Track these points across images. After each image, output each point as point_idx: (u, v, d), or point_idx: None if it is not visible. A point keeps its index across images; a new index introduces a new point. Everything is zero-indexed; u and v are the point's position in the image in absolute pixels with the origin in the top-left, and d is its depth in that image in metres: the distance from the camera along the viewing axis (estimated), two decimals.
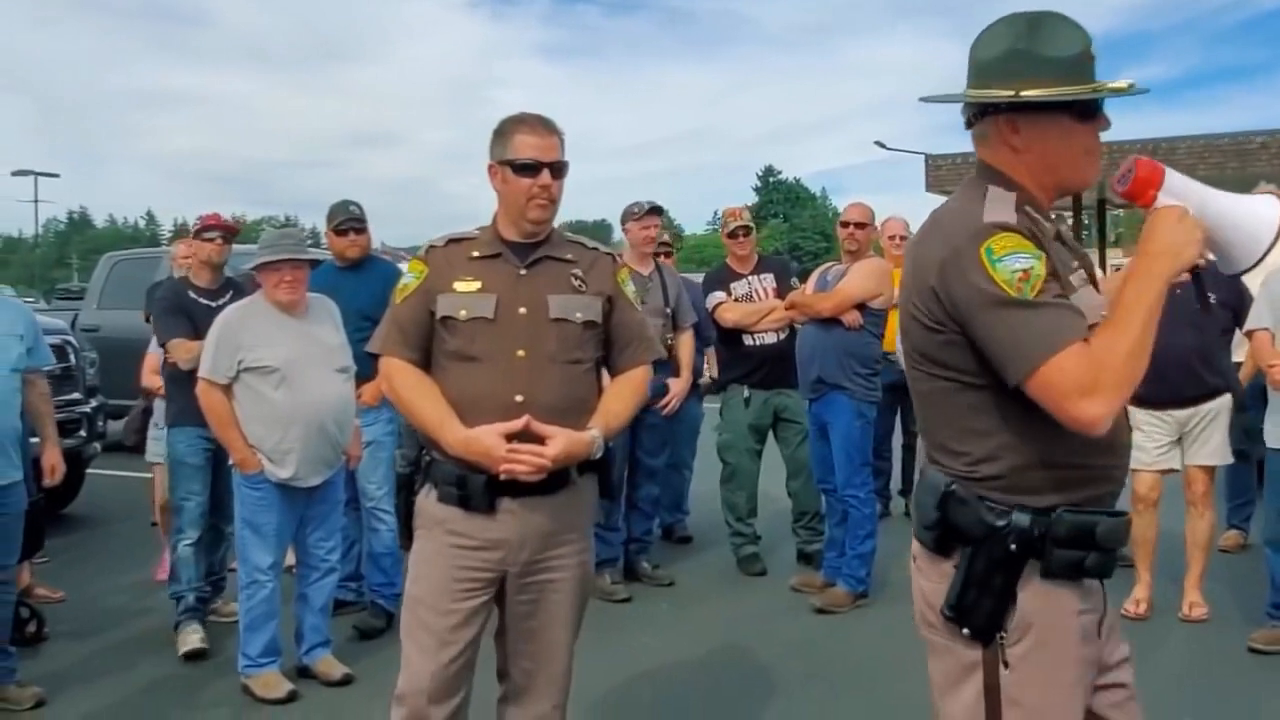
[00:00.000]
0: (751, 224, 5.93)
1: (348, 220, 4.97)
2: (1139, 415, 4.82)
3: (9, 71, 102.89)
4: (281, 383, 3.94)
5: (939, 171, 19.16)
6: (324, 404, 3.99)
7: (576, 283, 2.70)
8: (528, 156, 2.64)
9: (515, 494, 2.57)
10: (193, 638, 4.51)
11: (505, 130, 2.70)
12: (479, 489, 2.56)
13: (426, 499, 2.67)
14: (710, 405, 6.35)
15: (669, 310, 5.50)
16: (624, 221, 5.61)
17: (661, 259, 5.86)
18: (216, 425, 4.02)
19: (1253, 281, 4.73)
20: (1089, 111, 1.81)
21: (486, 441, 2.50)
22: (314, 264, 4.22)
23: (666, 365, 5.48)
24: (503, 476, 2.51)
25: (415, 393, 2.63)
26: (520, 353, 2.60)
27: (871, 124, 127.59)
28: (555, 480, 2.58)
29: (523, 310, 2.63)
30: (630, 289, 2.84)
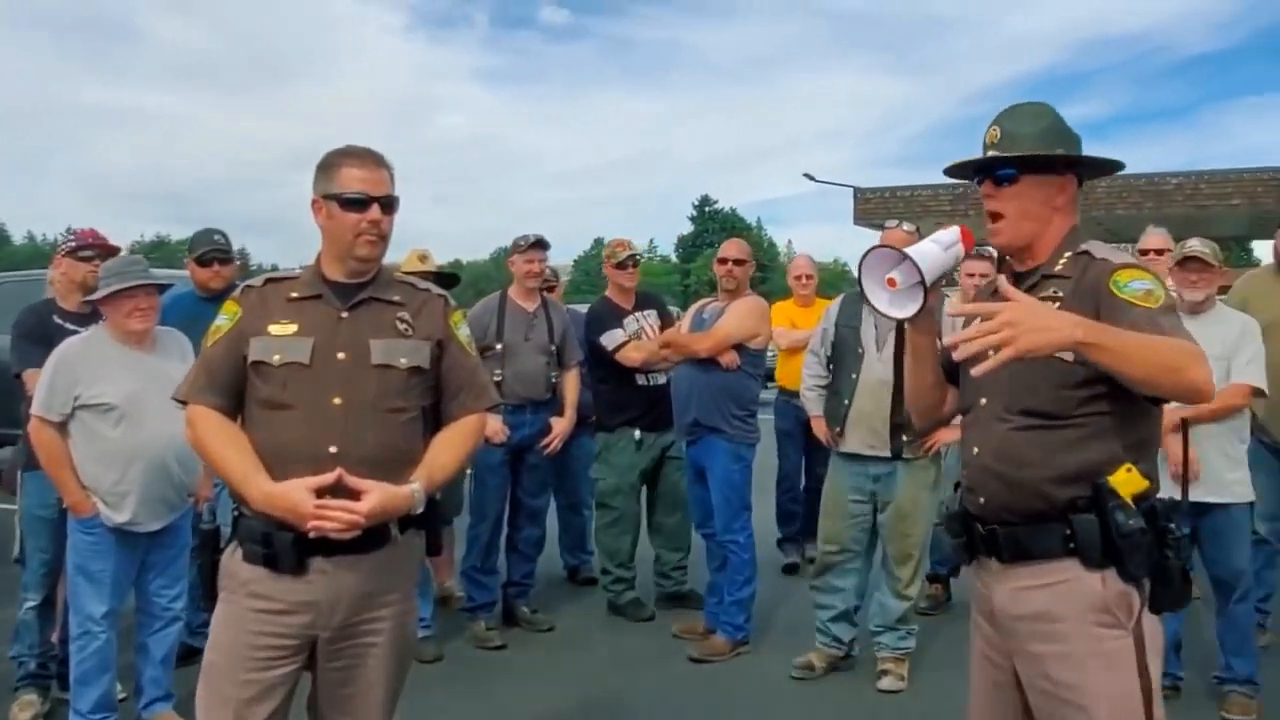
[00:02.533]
0: (639, 255, 5.77)
1: (212, 250, 4.78)
2: None
3: None
4: (121, 420, 3.73)
5: (867, 204, 19.41)
6: (167, 442, 3.76)
7: (403, 326, 2.56)
8: (355, 190, 2.51)
9: (328, 553, 2.41)
10: (27, 710, 4.19)
11: (331, 163, 2.56)
12: (286, 547, 2.39)
13: (232, 557, 2.50)
14: None
15: (554, 347, 5.35)
16: (510, 254, 5.46)
17: (548, 293, 5.72)
18: (48, 465, 3.79)
19: None
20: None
21: (293, 496, 2.35)
22: (162, 288, 3.99)
23: (551, 404, 5.35)
24: (312, 534, 2.36)
25: (220, 443, 2.47)
26: (337, 400, 2.45)
27: (809, 155, 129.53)
28: (372, 537, 2.43)
29: (342, 355, 2.49)
30: (464, 333, 2.70)
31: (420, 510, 2.49)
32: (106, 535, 3.76)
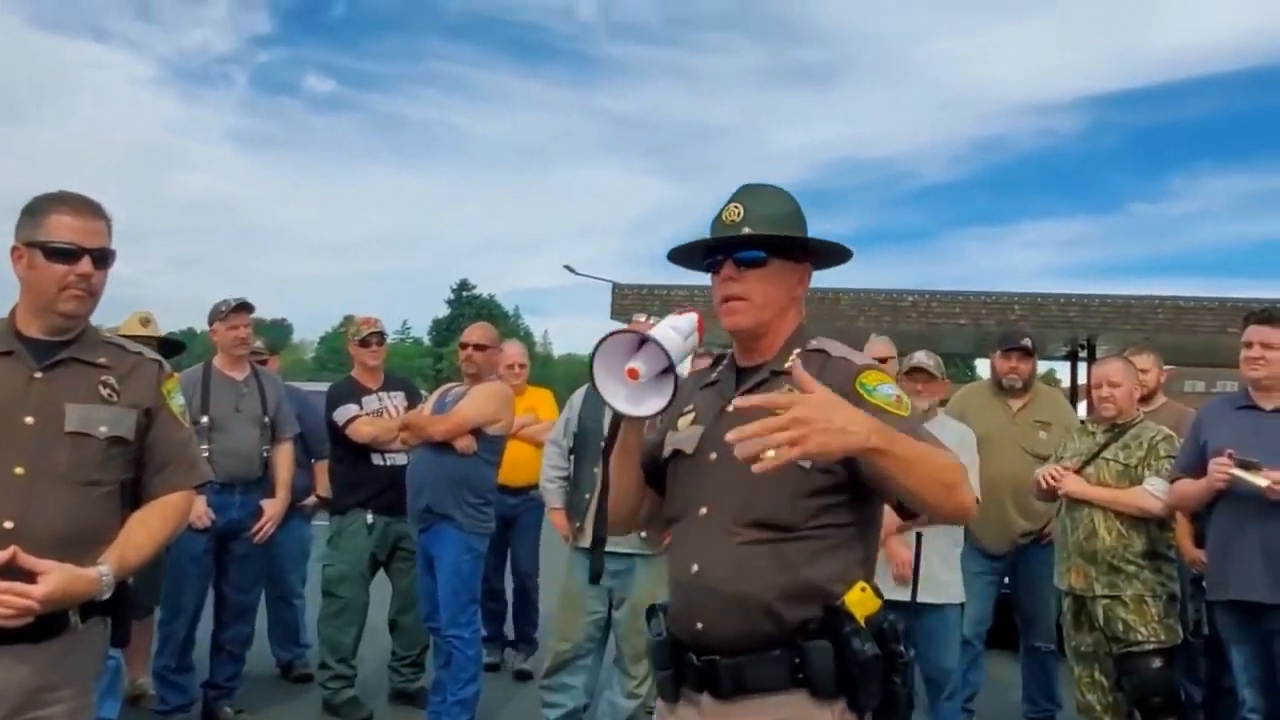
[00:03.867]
0: (385, 332, 5.59)
1: None
2: None
3: None
4: None
5: (624, 300, 19.77)
6: None
7: (106, 391, 2.33)
8: (65, 240, 2.28)
9: None
10: None
11: (39, 208, 2.33)
12: None
13: None
14: (319, 523, 5.83)
15: (268, 420, 5.02)
16: (211, 322, 5.09)
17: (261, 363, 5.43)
18: None
19: None
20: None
21: None
22: None
23: (263, 484, 5.00)
24: None
25: None
26: (19, 470, 2.19)
27: (571, 248, 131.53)
28: (47, 625, 2.17)
29: (30, 420, 2.23)
30: (177, 403, 2.48)
31: (107, 595, 2.24)
32: None
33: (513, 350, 6.40)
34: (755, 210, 2.05)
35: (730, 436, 1.66)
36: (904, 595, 4.30)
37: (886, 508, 2.05)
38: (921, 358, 4.61)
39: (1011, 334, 5.51)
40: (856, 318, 19.13)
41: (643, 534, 4.28)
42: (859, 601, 1.91)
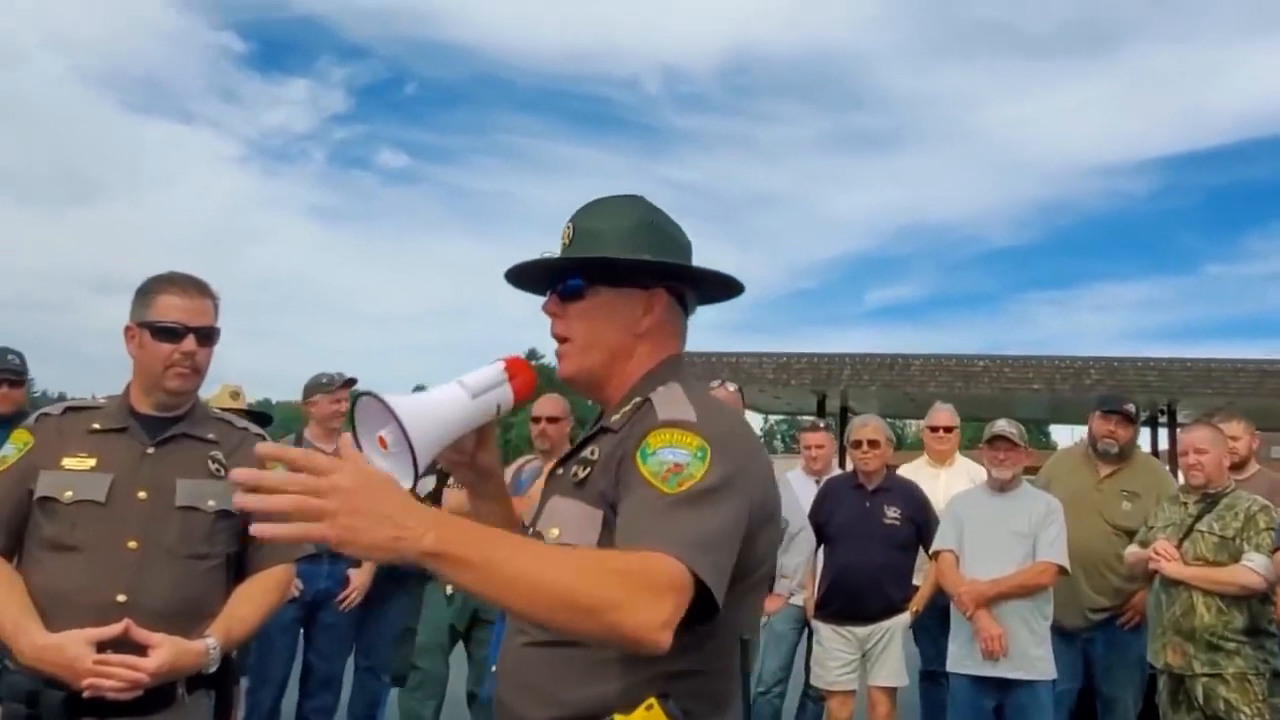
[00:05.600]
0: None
1: (4, 371, 4.44)
2: (822, 630, 4.82)
3: None
4: None
5: (692, 368, 19.70)
6: None
7: (214, 466, 2.40)
8: (171, 319, 2.37)
9: (103, 714, 2.17)
10: None
11: (149, 289, 2.42)
12: (54, 708, 2.15)
13: None
14: None
15: None
16: (310, 394, 5.14)
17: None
18: None
19: (938, 501, 4.91)
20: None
21: (70, 650, 2.12)
22: None
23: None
24: (87, 693, 2.12)
25: None
26: (132, 544, 2.25)
27: None
28: (155, 698, 2.21)
29: (143, 494, 2.30)
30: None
31: (214, 669, 2.28)
32: None
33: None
34: (584, 228, 1.67)
35: (237, 475, 1.27)
36: (993, 671, 4.22)
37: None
38: (1003, 425, 4.55)
39: (1114, 397, 5.26)
40: (927, 383, 19.01)
41: None
42: None
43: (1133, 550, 4.31)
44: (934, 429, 5.65)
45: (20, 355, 4.57)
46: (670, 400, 1.57)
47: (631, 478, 1.47)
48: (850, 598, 4.75)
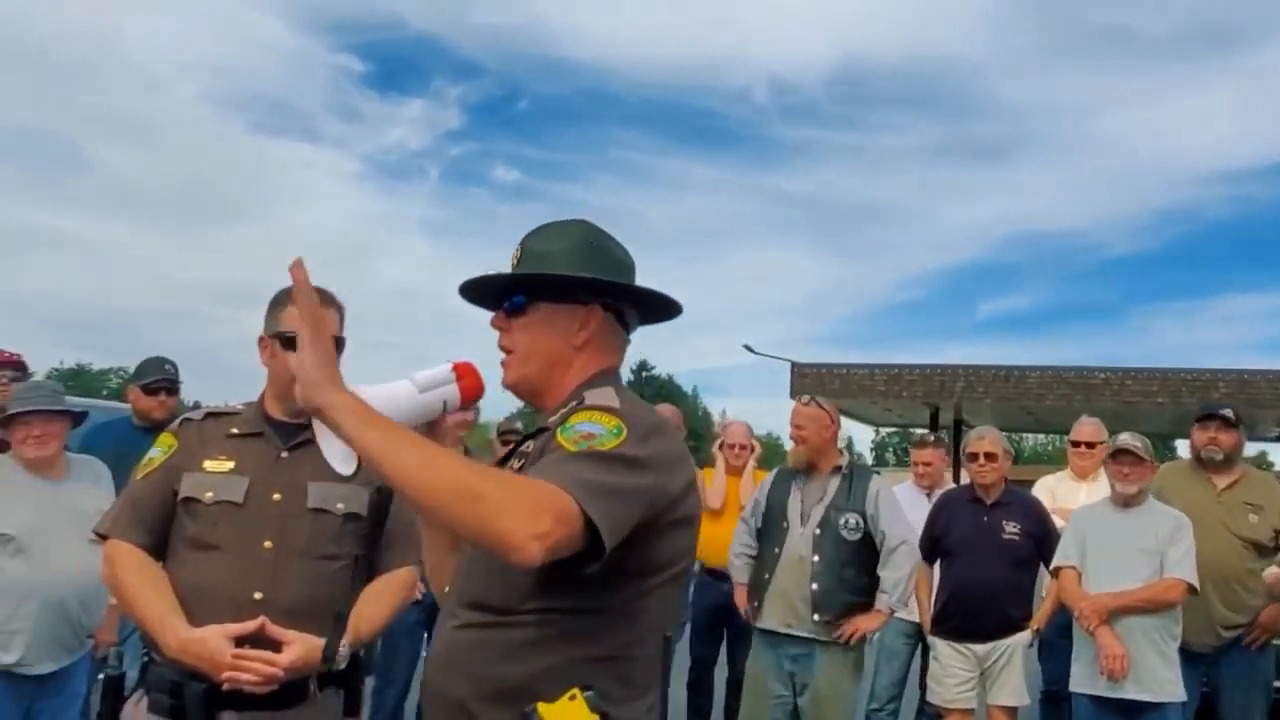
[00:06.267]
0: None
1: (161, 380, 4.69)
2: (939, 646, 4.74)
3: None
4: (17, 552, 3.51)
5: (804, 380, 19.73)
6: (67, 579, 3.54)
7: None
8: (295, 330, 2.45)
9: (240, 707, 2.26)
10: None
11: (278, 301, 2.53)
12: (196, 699, 2.24)
13: (137, 707, 2.33)
14: None
15: None
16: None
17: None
18: None
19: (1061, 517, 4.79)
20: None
21: (210, 644, 2.21)
22: (76, 419, 3.84)
23: None
24: (226, 686, 2.21)
25: (138, 583, 2.34)
26: (267, 544, 2.34)
27: (745, 328, 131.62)
28: (289, 693, 2.29)
29: (277, 496, 2.39)
30: None
31: (343, 666, 2.36)
32: None
33: (735, 430, 6.18)
34: (530, 249, 1.80)
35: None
36: (1120, 693, 4.09)
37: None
38: (1127, 439, 4.41)
39: (1210, 404, 5.15)
40: (1044, 396, 18.53)
41: (816, 617, 4.24)
42: (560, 713, 1.55)
43: (1273, 571, 4.15)
44: (1076, 444, 5.51)
45: (175, 365, 4.81)
46: (600, 395, 1.70)
47: (550, 444, 1.60)
48: (968, 614, 4.66)
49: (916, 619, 5.11)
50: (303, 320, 1.55)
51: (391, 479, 1.46)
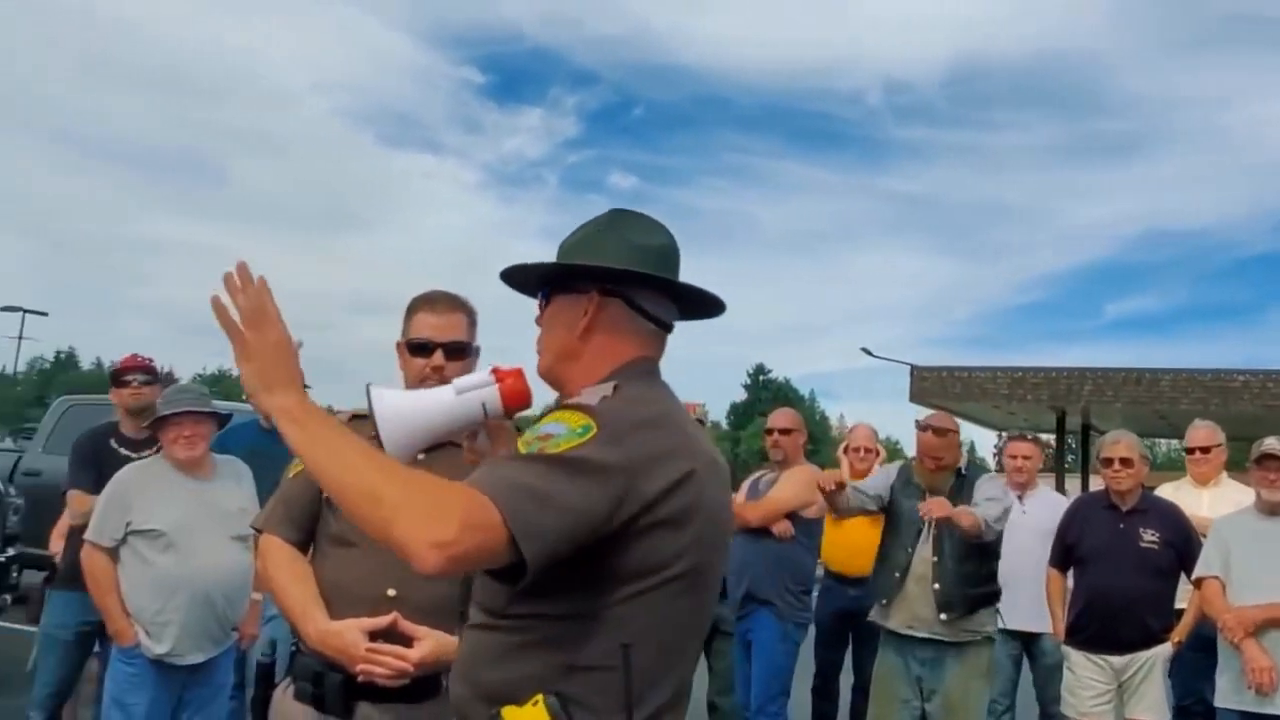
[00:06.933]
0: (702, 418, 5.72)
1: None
2: (1074, 656, 4.60)
3: (17, 214, 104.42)
4: (168, 548, 3.70)
5: (924, 383, 19.38)
6: (213, 573, 3.72)
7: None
8: (422, 336, 2.53)
9: (376, 699, 2.33)
10: None
11: (410, 308, 2.60)
12: (335, 689, 2.33)
13: (284, 694, 2.43)
14: None
15: None
16: None
17: None
18: (95, 591, 3.75)
19: (1200, 524, 4.60)
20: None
21: (347, 637, 2.29)
22: (222, 420, 4.03)
23: None
24: (360, 678, 2.29)
25: (286, 576, 2.44)
26: None
27: (862, 331, 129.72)
28: (422, 688, 2.35)
29: None
30: None
31: None
32: (146, 667, 3.68)
33: (860, 434, 6.15)
34: (561, 246, 1.79)
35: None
36: (1268, 708, 3.92)
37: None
38: (1273, 443, 4.22)
39: None
40: (1179, 399, 17.73)
41: (943, 616, 4.16)
42: (522, 718, 1.50)
43: None
44: (1191, 450, 5.31)
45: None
46: (591, 391, 1.61)
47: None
48: (1104, 624, 4.51)
49: (1019, 628, 4.98)
50: (227, 333, 1.58)
51: (313, 477, 1.50)
